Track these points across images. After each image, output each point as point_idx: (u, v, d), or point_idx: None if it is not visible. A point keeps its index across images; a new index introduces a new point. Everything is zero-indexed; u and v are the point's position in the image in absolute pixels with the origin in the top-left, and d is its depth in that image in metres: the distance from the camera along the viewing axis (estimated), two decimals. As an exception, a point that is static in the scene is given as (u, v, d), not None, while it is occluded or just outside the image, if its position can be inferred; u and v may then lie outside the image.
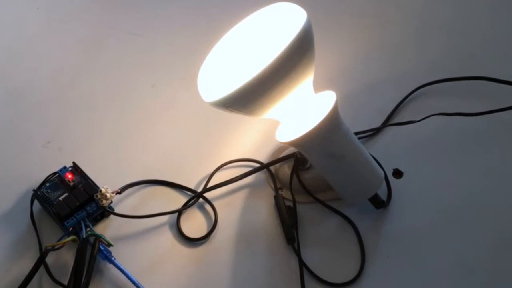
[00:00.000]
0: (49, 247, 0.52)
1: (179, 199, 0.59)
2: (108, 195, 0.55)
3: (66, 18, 0.77)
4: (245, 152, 0.63)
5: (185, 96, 0.66)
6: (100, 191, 0.55)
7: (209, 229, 0.57)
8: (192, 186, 0.60)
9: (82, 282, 0.51)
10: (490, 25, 0.74)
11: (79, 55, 0.73)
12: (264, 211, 0.59)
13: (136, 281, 0.52)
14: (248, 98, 0.49)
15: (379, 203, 0.57)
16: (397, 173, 0.61)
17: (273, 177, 0.60)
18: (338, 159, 0.53)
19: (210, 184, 0.60)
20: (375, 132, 0.64)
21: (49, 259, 0.54)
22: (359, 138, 0.60)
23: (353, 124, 0.56)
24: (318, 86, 0.54)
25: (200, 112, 0.65)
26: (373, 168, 0.55)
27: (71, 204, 0.55)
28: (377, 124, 0.64)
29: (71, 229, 0.54)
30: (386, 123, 0.64)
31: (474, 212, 0.58)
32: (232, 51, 0.54)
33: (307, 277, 0.54)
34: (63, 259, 0.55)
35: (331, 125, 0.51)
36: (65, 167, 0.58)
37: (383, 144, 0.63)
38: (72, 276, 0.52)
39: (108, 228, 0.57)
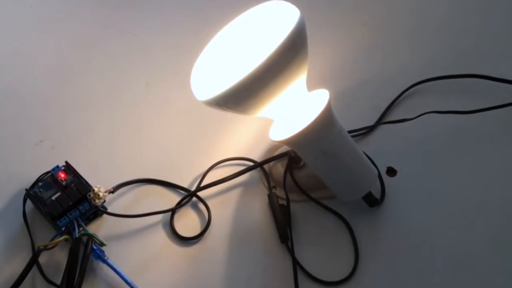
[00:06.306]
0: (42, 247, 0.52)
1: (173, 198, 0.59)
2: (101, 194, 0.55)
3: (59, 16, 0.76)
4: (239, 151, 0.62)
5: (178, 95, 0.66)
6: (93, 190, 0.55)
7: (203, 228, 0.57)
8: (185, 185, 0.60)
9: (75, 282, 0.51)
10: (484, 23, 0.74)
11: (73, 53, 0.72)
12: (258, 210, 0.58)
13: (129, 281, 0.52)
14: (242, 97, 0.49)
15: (373, 201, 0.57)
16: (391, 171, 0.61)
17: (266, 175, 0.60)
18: (331, 157, 0.53)
19: (203, 183, 0.59)
20: (368, 130, 0.64)
21: (42, 258, 0.54)
22: (352, 137, 0.60)
23: (347, 122, 0.56)
24: (312, 85, 0.54)
25: (193, 111, 0.64)
26: (366, 166, 0.55)
27: (63, 204, 0.54)
28: (371, 122, 0.64)
29: (63, 228, 0.54)
30: (380, 121, 0.64)
31: (468, 209, 0.58)
32: (225, 49, 0.54)
33: (300, 275, 0.54)
34: (56, 259, 0.55)
35: (325, 124, 0.51)
36: (57, 166, 0.58)
37: (377, 142, 0.63)
38: (65, 275, 0.51)
39: (101, 228, 0.57)
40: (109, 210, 0.57)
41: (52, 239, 0.53)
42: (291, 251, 0.55)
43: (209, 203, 0.59)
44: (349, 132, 0.60)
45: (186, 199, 0.59)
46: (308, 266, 0.55)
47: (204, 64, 0.54)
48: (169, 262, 0.55)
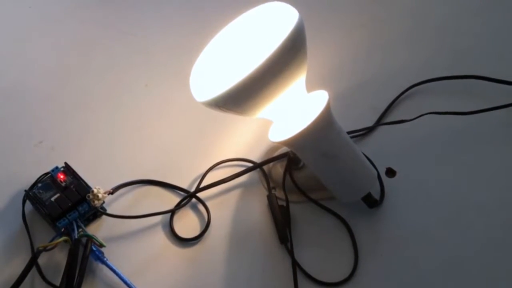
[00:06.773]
0: (41, 248, 0.52)
1: (172, 199, 0.59)
2: (100, 195, 0.55)
3: (58, 17, 0.76)
4: (238, 152, 0.62)
5: (178, 96, 0.66)
6: (92, 191, 0.55)
7: (202, 229, 0.57)
8: (185, 186, 0.60)
9: (74, 283, 0.51)
10: (483, 23, 0.74)
11: (72, 54, 0.72)
12: (257, 211, 0.58)
13: (128, 282, 0.52)
14: (241, 98, 0.49)
15: (372, 202, 0.57)
16: (390, 172, 0.61)
17: (266, 176, 0.60)
18: (330, 158, 0.53)
19: (203, 184, 0.59)
20: (368, 131, 0.64)
21: (41, 259, 0.54)
22: (352, 137, 0.60)
23: (346, 123, 0.56)
24: (311, 86, 0.54)
25: (193, 112, 0.64)
26: (366, 167, 0.55)
27: (63, 205, 0.54)
28: (370, 123, 0.64)
29: (63, 229, 0.54)
30: (379, 122, 0.64)
31: (467, 210, 0.58)
32: (224, 50, 0.54)
33: (300, 276, 0.54)
34: (55, 260, 0.55)
35: (324, 125, 0.51)
36: (57, 167, 0.58)
37: (376, 143, 0.63)
38: (64, 277, 0.51)
39: (100, 229, 0.57)
40: (109, 211, 0.57)
41: (52, 240, 0.53)
42: (290, 252, 0.55)
43: (208, 204, 0.59)
44: (348, 133, 0.60)
45: (186, 200, 0.59)
46: (307, 267, 0.55)
47: (203, 65, 0.54)
48: (168, 263, 0.55)
